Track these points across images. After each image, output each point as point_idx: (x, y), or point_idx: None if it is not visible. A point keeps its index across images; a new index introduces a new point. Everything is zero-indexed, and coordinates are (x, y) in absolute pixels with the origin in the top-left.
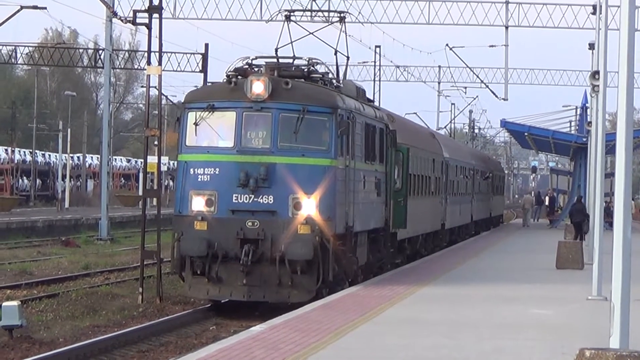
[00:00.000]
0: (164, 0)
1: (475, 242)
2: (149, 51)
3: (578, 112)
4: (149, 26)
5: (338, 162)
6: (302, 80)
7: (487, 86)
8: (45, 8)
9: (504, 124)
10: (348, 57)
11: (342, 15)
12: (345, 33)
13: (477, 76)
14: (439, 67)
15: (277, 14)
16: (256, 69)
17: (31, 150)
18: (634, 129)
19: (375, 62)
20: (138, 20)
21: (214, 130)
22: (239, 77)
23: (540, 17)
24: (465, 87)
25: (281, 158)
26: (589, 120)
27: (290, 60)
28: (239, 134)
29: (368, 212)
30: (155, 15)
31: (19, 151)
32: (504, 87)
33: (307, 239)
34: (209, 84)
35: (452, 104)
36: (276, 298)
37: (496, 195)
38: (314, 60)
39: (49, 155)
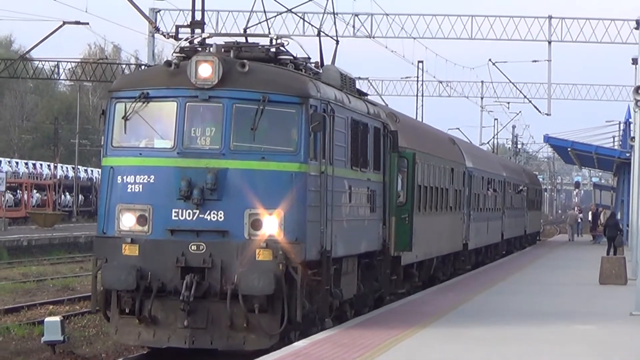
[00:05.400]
0: (206, 16)
1: (507, 262)
2: None
3: (621, 127)
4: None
5: (310, 168)
6: (272, 64)
7: (530, 101)
8: (87, 23)
9: (547, 139)
10: (337, 41)
11: None
12: (334, 11)
13: (520, 91)
14: (482, 82)
15: None
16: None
17: (73, 166)
18: None
19: (417, 77)
20: (180, 36)
21: (149, 126)
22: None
23: (583, 32)
24: (508, 103)
25: (235, 162)
26: (632, 135)
27: (256, 40)
28: (180, 130)
29: (357, 231)
30: (198, 30)
31: (62, 167)
32: (547, 102)
33: (267, 268)
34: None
35: (495, 119)
36: (227, 344)
37: (532, 210)
38: (283, 40)
39: (92, 170)
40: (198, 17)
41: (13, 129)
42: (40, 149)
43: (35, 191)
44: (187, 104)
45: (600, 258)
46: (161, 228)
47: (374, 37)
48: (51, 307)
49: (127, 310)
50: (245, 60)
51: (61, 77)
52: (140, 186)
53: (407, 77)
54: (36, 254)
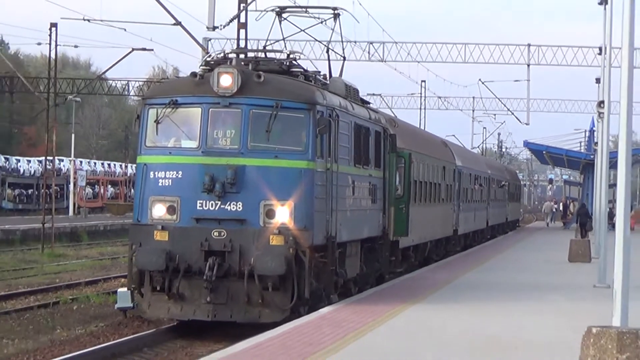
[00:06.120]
0: (248, 44)
1: (492, 245)
2: None
3: (587, 135)
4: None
5: (317, 165)
6: (285, 76)
7: (513, 113)
8: (152, 50)
9: (526, 144)
10: (344, 58)
11: (336, 12)
12: (340, 31)
13: (505, 105)
14: (473, 98)
15: (267, 11)
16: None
17: None
18: (633, 148)
19: (421, 94)
20: None
21: (177, 129)
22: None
23: (556, 56)
24: (495, 114)
25: (251, 160)
26: (595, 141)
27: (272, 55)
28: (204, 132)
29: (360, 220)
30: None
31: (131, 166)
32: (527, 114)
33: (279, 251)
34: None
35: (483, 128)
36: (245, 318)
37: (513, 202)
38: (295, 54)
39: None
40: (242, 44)
41: (91, 135)
42: (113, 151)
43: (109, 186)
44: (210, 109)
45: (570, 240)
46: (188, 217)
47: (385, 61)
48: (123, 280)
49: (158, 288)
50: (260, 72)
51: (130, 94)
52: (170, 181)
53: (412, 94)
54: (111, 237)
